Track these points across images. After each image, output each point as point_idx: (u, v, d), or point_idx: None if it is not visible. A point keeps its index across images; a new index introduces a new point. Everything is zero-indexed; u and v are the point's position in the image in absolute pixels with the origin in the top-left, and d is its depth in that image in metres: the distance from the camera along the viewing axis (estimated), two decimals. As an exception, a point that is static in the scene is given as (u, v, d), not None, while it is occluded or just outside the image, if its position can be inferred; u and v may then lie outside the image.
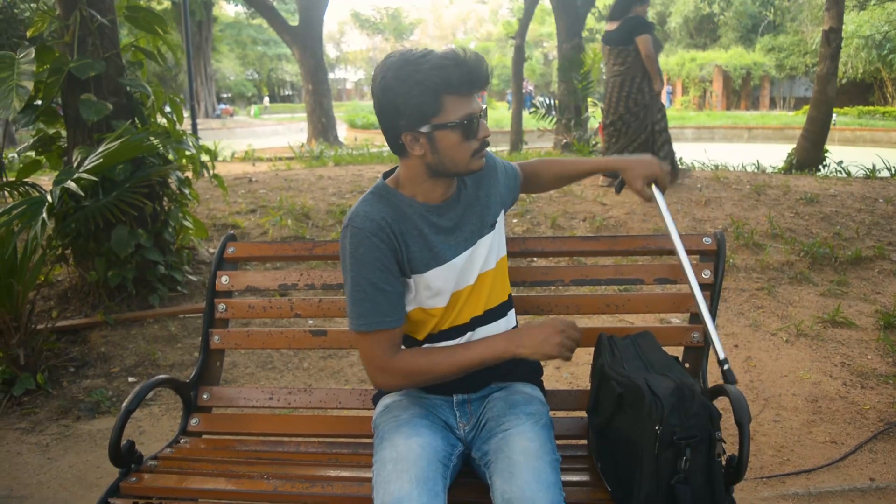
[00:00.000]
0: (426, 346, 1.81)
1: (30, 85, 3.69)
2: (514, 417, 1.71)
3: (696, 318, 2.10)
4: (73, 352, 3.91)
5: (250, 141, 15.85)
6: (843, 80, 26.35)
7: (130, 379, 3.67)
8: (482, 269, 1.80)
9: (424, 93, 1.59)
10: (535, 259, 3.86)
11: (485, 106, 1.70)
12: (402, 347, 1.76)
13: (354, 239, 1.67)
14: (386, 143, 1.77)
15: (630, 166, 1.95)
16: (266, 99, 45.81)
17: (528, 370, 1.92)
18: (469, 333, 1.80)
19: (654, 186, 1.94)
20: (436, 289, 1.75)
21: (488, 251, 1.81)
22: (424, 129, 1.62)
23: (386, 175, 1.82)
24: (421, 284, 1.74)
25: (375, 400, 1.94)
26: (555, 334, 1.65)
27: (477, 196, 1.83)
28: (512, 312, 1.92)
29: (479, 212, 1.82)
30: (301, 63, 16.98)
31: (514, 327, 1.90)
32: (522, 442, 1.62)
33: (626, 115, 6.40)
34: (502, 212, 1.92)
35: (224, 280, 2.26)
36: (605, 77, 6.59)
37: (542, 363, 2.00)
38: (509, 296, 1.92)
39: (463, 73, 1.59)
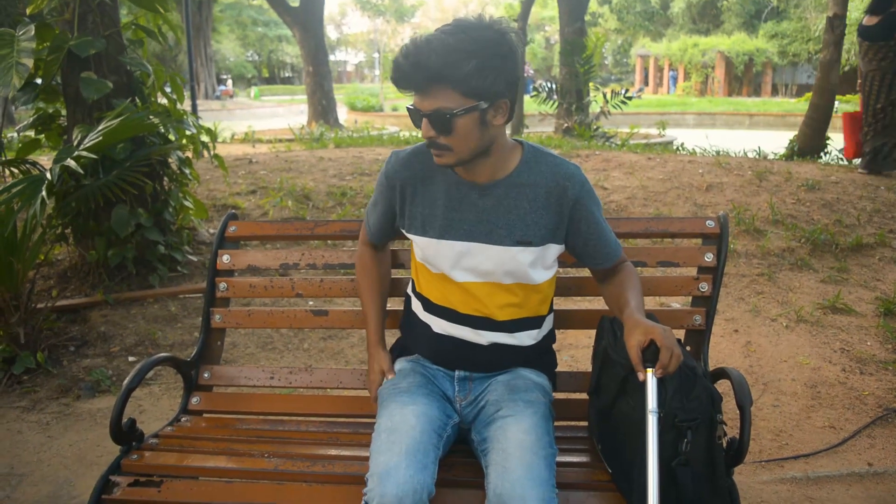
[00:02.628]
0: (433, 317, 1.84)
1: (30, 62, 3.66)
2: (513, 404, 1.72)
3: (698, 301, 2.10)
4: (73, 331, 3.91)
5: (250, 122, 15.80)
6: (846, 68, 26.16)
7: (130, 358, 3.67)
8: (486, 278, 1.76)
9: None
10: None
11: (445, 110, 1.56)
12: (377, 248, 2.03)
13: (383, 169, 1.86)
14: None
15: (627, 330, 1.61)
16: (230, 82, 44.41)
17: (540, 361, 1.92)
18: (457, 325, 1.80)
19: (650, 372, 1.51)
20: (429, 256, 1.80)
21: (497, 264, 1.74)
22: None
23: None
24: (417, 244, 1.82)
25: None
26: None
27: (518, 203, 1.73)
28: (525, 334, 1.84)
29: (511, 220, 1.73)
30: (301, 45, 16.87)
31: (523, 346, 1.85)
32: (519, 434, 1.62)
33: (889, 106, 6.37)
34: (552, 246, 1.77)
35: (225, 259, 2.26)
36: (861, 70, 6.54)
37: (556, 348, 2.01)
38: (533, 318, 1.84)
39: (392, 72, 1.60)
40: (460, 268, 1.76)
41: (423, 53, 1.53)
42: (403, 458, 1.55)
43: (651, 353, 1.52)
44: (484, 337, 1.80)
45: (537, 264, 1.77)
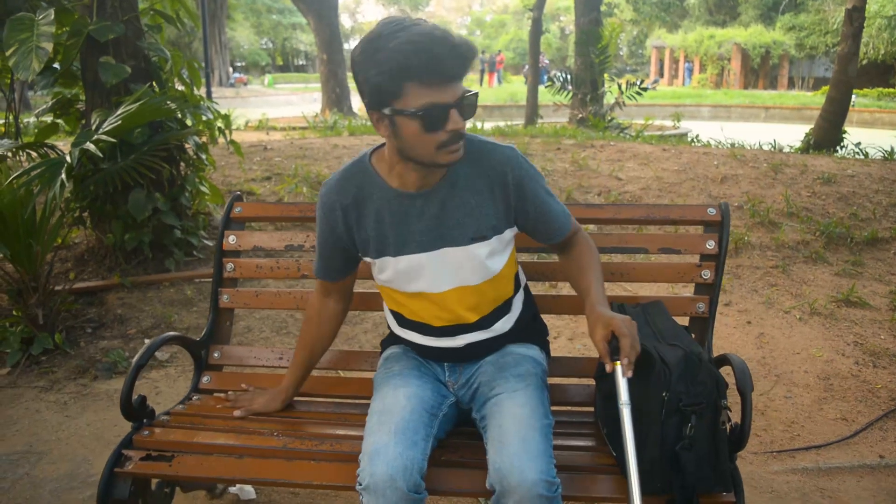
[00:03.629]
0: (400, 329, 1.90)
1: (49, 47, 3.68)
2: (504, 381, 1.74)
3: (701, 288, 2.11)
4: (91, 313, 3.95)
5: (264, 110, 15.83)
6: (864, 61, 25.92)
7: (146, 340, 3.71)
8: (452, 283, 1.75)
9: (382, 75, 1.49)
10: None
11: (471, 92, 1.54)
12: (331, 295, 1.96)
13: (319, 202, 1.80)
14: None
15: (590, 321, 1.62)
16: (230, 69, 41.82)
17: (529, 333, 1.92)
18: (433, 337, 1.83)
19: (618, 365, 1.54)
20: (390, 277, 1.77)
21: (459, 266, 1.73)
22: (386, 111, 1.54)
23: (377, 148, 1.77)
24: (377, 267, 1.79)
25: (382, 345, 2.03)
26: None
27: (464, 200, 1.69)
28: (500, 323, 1.84)
29: (461, 218, 1.69)
30: (316, 33, 16.88)
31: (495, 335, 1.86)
32: (513, 408, 1.64)
33: None
34: (506, 232, 1.76)
35: (231, 240, 2.29)
36: None
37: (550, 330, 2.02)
38: (502, 305, 1.84)
39: (424, 61, 1.46)
40: (424, 279, 1.74)
41: None
42: (392, 437, 1.58)
43: (615, 346, 1.53)
44: (461, 340, 1.82)
45: (494, 254, 1.75)
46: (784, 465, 2.69)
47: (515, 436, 1.56)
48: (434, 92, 1.49)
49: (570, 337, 3.67)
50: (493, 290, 1.80)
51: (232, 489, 2.44)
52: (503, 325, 1.85)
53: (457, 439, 1.83)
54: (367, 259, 1.80)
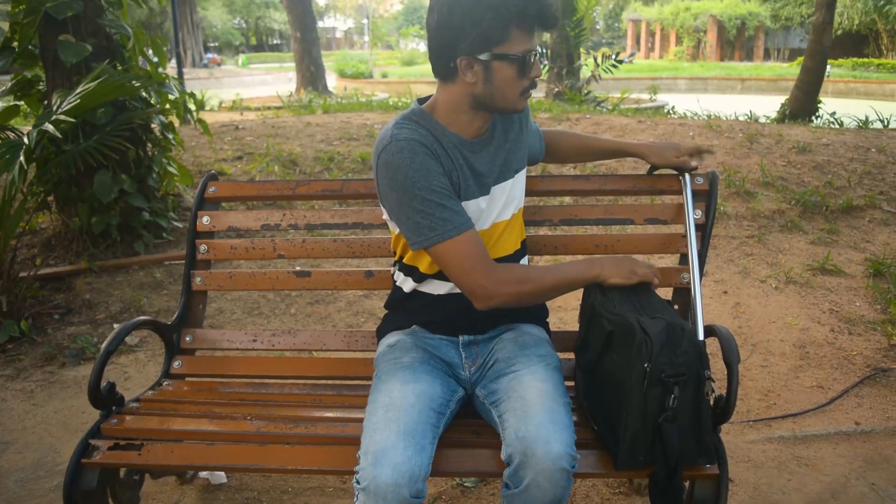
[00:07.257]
0: (425, 285, 1.81)
1: (5, 26, 3.58)
2: (525, 359, 1.70)
3: (686, 259, 2.08)
4: (58, 299, 3.86)
5: (238, 90, 15.61)
6: (839, 31, 26.09)
7: (115, 325, 3.63)
8: (497, 217, 1.78)
9: (496, 19, 1.55)
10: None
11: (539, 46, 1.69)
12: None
13: (407, 150, 1.60)
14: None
15: (653, 152, 2.01)
16: (207, 51, 41.10)
17: (535, 312, 1.90)
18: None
19: (686, 176, 1.99)
20: None
21: (505, 201, 1.78)
22: (484, 56, 1.59)
23: (420, 101, 1.75)
24: None
25: (379, 334, 1.93)
26: (638, 266, 1.74)
27: (506, 139, 1.80)
28: (524, 261, 1.91)
29: (505, 156, 1.79)
30: (289, 10, 16.65)
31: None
32: (536, 383, 1.61)
33: None
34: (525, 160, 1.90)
35: (205, 220, 2.22)
36: None
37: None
38: (522, 244, 1.88)
39: (539, 9, 1.57)
40: (483, 219, 1.74)
41: None
42: (402, 439, 1.48)
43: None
44: None
45: (523, 184, 1.87)
46: (760, 434, 2.69)
47: (541, 407, 1.52)
48: (530, 39, 1.61)
49: (547, 311, 3.64)
50: (516, 223, 1.83)
51: (203, 474, 2.39)
52: None
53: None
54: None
